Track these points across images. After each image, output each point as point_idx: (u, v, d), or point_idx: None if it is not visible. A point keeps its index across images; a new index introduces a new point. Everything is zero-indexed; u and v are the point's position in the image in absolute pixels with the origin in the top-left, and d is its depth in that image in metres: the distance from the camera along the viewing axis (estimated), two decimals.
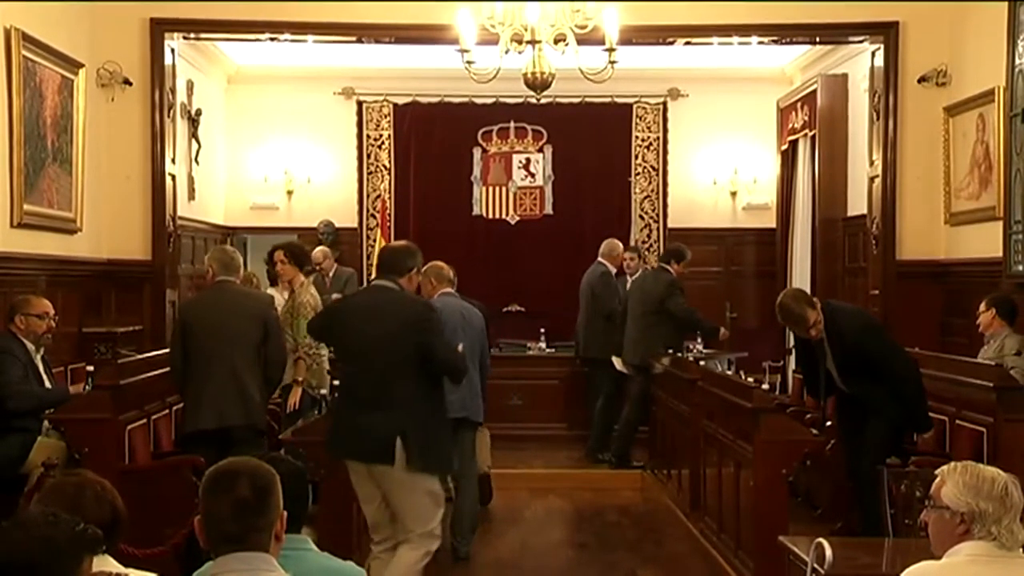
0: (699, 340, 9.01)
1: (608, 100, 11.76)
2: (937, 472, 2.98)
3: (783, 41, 9.98)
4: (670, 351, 8.50)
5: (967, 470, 2.90)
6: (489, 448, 7.76)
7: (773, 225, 11.88)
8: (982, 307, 6.91)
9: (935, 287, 8.70)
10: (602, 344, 9.37)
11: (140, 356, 7.08)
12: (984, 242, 7.88)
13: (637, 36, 8.39)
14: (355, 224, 12.01)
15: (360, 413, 5.06)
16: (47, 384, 6.24)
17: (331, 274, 10.62)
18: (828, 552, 3.45)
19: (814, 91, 10.56)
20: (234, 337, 6.03)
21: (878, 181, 9.07)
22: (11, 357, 6.00)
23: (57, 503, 2.70)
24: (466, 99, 11.72)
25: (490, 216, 12.14)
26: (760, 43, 9.52)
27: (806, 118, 10.84)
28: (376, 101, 12.08)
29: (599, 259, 9.75)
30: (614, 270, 9.70)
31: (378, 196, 12.02)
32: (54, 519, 2.27)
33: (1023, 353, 6.68)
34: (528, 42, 6.76)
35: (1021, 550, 2.86)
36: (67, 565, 2.20)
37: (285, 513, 2.60)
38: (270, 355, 6.12)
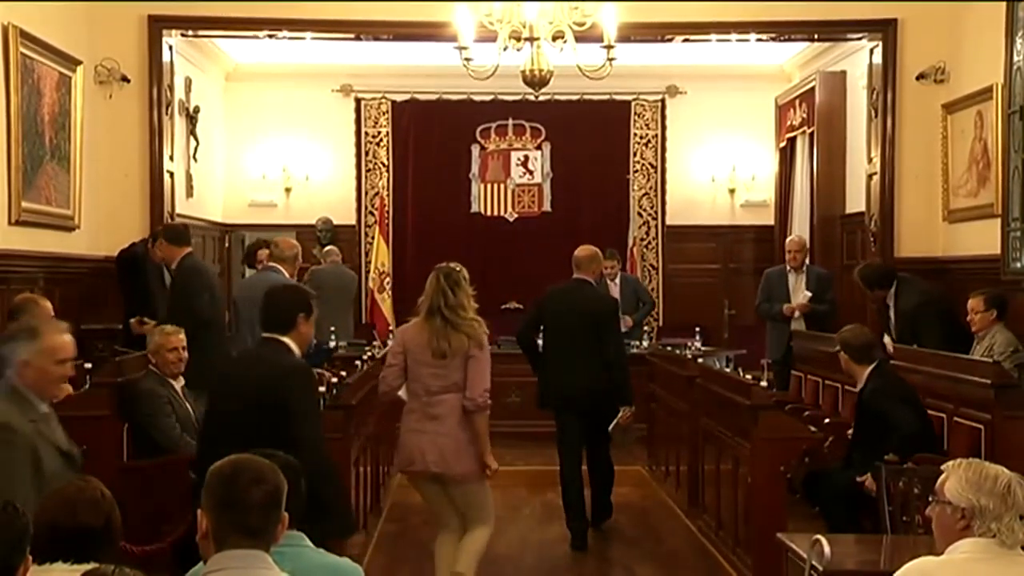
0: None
1: (606, 97, 11.77)
2: (943, 467, 2.98)
3: (781, 38, 10.00)
4: None
5: (971, 466, 2.90)
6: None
7: (771, 222, 11.88)
8: (979, 306, 6.90)
9: (933, 284, 8.69)
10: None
11: (138, 353, 7.05)
12: (982, 239, 7.88)
13: (635, 33, 8.40)
14: (353, 221, 12.02)
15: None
16: None
17: None
18: (826, 549, 3.46)
19: (812, 88, 10.56)
20: None
21: (876, 178, 9.07)
22: None
23: (56, 502, 2.80)
24: (464, 96, 11.73)
25: (488, 213, 12.14)
26: (759, 40, 9.54)
27: (804, 115, 10.84)
28: (374, 98, 12.08)
29: None
30: (787, 268, 9.07)
31: (376, 193, 12.02)
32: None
33: (1019, 351, 6.69)
34: (526, 39, 6.76)
35: (1021, 549, 2.86)
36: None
37: (287, 515, 2.58)
38: None
